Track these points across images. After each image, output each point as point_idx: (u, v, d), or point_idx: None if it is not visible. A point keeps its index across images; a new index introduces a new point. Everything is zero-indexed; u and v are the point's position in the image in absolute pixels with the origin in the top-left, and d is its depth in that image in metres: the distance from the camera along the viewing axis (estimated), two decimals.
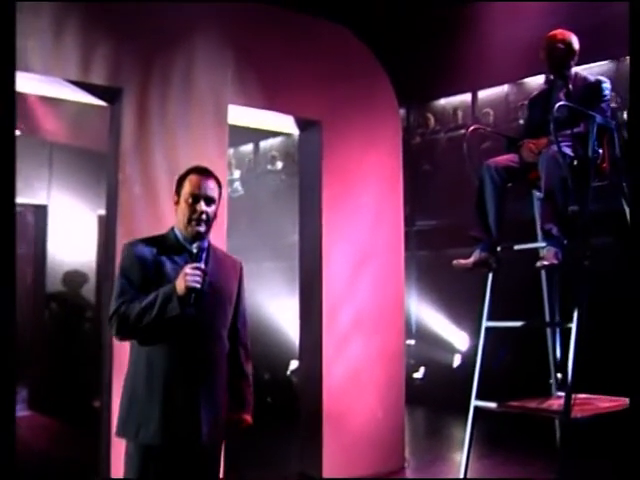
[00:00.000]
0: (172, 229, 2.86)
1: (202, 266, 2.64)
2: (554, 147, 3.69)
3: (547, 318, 4.41)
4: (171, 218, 4.91)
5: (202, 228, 2.77)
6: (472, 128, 4.28)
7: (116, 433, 2.72)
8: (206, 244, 2.79)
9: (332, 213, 5.77)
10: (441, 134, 10.93)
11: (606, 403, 3.84)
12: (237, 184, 12.39)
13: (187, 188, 2.79)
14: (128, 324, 2.63)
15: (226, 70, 5.30)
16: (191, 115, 5.10)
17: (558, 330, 4.45)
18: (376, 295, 5.98)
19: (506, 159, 4.04)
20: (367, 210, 6.03)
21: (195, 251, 2.71)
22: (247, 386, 2.96)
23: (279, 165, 12.30)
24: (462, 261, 3.91)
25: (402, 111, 11.05)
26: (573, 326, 3.47)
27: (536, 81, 9.48)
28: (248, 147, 13.63)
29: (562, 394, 4.19)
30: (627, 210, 3.92)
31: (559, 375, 4.50)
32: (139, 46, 4.94)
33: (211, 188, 2.82)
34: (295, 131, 6.06)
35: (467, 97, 11.20)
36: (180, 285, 2.57)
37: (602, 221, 3.86)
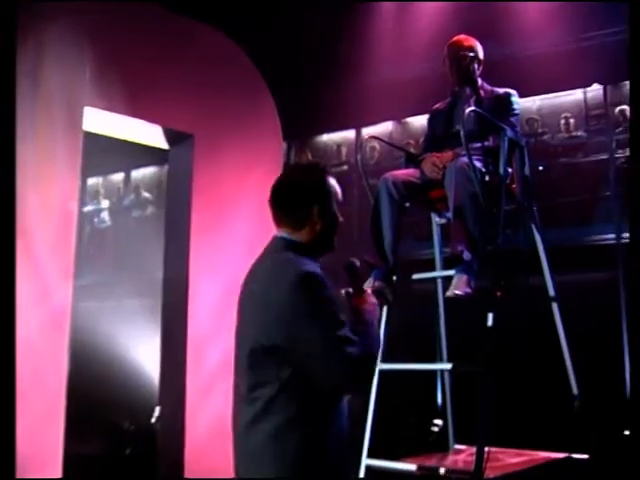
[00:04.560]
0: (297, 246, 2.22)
1: None
2: (463, 159, 3.20)
3: (444, 359, 3.88)
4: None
5: None
6: (367, 137, 3.78)
7: None
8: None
9: (202, 240, 5.10)
10: None
11: (514, 458, 3.35)
12: (104, 214, 11.68)
13: (331, 195, 2.26)
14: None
15: (83, 68, 4.56)
16: (37, 115, 4.32)
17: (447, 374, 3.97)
18: None
19: (406, 173, 3.54)
20: (242, 239, 5.40)
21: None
22: None
23: (149, 195, 11.58)
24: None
25: (283, 145, 10.70)
26: (485, 369, 2.95)
27: (420, 121, 9.30)
28: (118, 176, 12.82)
29: (461, 447, 3.69)
30: (538, 238, 3.49)
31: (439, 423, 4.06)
32: None
33: None
34: (164, 145, 5.36)
35: (351, 134, 10.91)
36: (376, 314, 2.24)
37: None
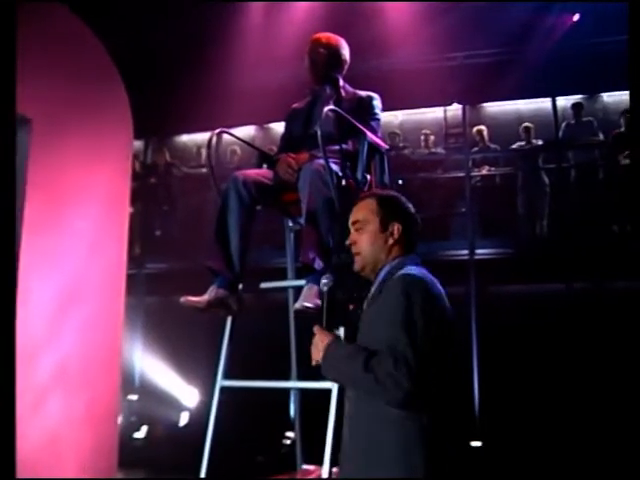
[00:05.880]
0: None
1: None
2: (319, 161, 2.98)
3: (294, 377, 3.62)
4: None
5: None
6: (218, 131, 3.48)
7: None
8: None
9: (35, 238, 4.60)
10: (181, 171, 10.13)
11: None
12: None
13: None
14: None
15: None
16: None
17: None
18: (86, 343, 4.91)
19: (257, 173, 3.26)
20: (82, 239, 4.98)
21: None
22: None
23: None
24: (193, 299, 3.00)
25: (139, 143, 10.20)
26: (334, 389, 2.73)
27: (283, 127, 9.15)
28: None
29: (309, 467, 3.48)
30: None
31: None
32: None
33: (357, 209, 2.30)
34: None
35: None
36: None
37: None
